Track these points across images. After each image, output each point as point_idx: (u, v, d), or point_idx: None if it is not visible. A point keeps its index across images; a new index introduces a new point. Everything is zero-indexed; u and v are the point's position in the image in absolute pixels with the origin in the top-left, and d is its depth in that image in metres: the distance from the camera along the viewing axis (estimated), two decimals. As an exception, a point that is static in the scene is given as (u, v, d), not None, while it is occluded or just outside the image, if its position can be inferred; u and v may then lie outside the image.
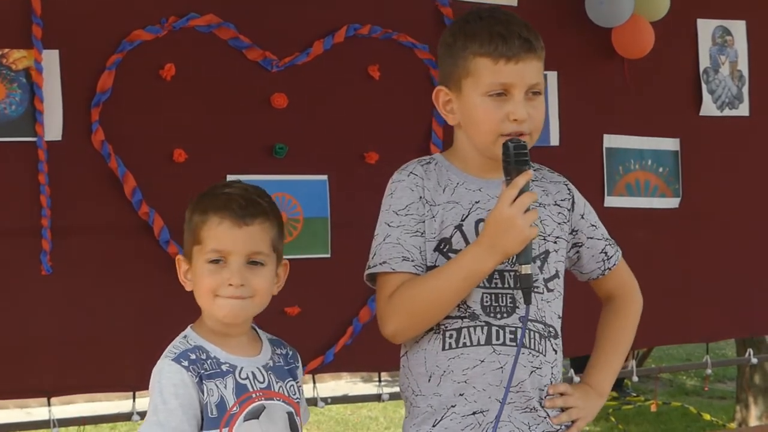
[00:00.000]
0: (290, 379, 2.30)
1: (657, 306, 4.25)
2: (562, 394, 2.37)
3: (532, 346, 2.30)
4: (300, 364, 2.37)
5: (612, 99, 4.20)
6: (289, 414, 2.25)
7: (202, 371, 2.16)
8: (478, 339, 2.27)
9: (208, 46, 3.50)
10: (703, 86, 4.36)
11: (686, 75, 4.36)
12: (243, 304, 2.21)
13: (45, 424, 3.47)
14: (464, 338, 2.28)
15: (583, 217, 2.47)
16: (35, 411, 5.82)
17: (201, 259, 2.21)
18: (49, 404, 3.42)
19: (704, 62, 4.36)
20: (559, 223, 2.40)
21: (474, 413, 2.28)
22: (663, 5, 4.07)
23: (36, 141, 3.26)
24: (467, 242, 2.29)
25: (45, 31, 3.24)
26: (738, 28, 4.42)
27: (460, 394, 2.28)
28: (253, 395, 2.20)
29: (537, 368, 2.31)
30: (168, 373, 2.15)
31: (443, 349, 2.29)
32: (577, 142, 4.13)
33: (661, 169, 4.30)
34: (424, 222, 2.30)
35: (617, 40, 4.07)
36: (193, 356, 2.17)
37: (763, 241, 4.53)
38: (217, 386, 2.17)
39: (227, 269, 2.19)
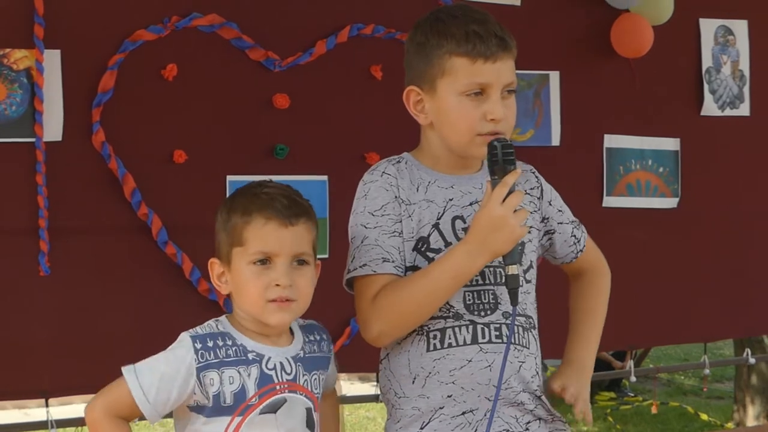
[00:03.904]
0: (316, 371, 2.26)
1: (655, 306, 4.27)
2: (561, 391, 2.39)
3: (517, 341, 2.30)
4: (331, 347, 2.34)
5: (613, 99, 4.19)
6: (308, 409, 2.22)
7: (216, 359, 2.14)
8: (464, 339, 2.26)
9: (210, 46, 3.49)
10: (705, 86, 4.36)
11: (688, 75, 4.35)
12: (291, 309, 2.18)
13: (43, 424, 3.46)
14: (449, 338, 2.27)
15: (551, 204, 2.47)
16: (33, 412, 5.80)
17: (243, 260, 2.18)
18: (47, 405, 3.40)
19: (707, 62, 4.36)
20: (531, 213, 2.40)
21: (464, 413, 2.28)
22: (666, 9, 4.06)
23: (34, 142, 3.25)
24: (445, 240, 2.28)
25: (47, 30, 3.22)
26: (740, 27, 4.42)
27: (449, 396, 2.27)
28: (278, 387, 2.18)
29: (522, 362, 2.31)
30: (179, 345, 2.16)
31: (428, 350, 2.27)
32: (577, 142, 4.13)
33: (661, 169, 4.30)
34: (401, 222, 2.28)
35: (616, 39, 4.07)
36: (211, 342, 2.16)
37: (762, 242, 4.53)
38: (240, 374, 2.15)
39: (273, 270, 2.16)
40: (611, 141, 4.21)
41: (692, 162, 4.35)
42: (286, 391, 2.19)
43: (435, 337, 2.27)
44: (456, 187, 2.33)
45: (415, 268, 2.28)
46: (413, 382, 2.29)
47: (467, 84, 2.24)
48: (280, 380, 2.19)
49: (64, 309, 3.34)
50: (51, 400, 3.41)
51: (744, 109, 4.46)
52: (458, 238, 2.28)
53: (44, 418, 3.43)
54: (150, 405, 2.13)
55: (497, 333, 2.28)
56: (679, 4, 4.11)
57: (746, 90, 4.45)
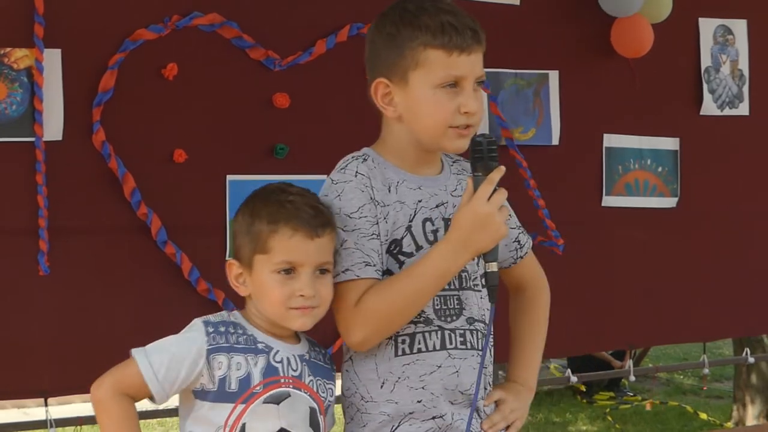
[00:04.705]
0: (323, 378, 2.28)
1: (654, 305, 4.28)
2: (496, 403, 2.39)
3: (477, 347, 2.30)
4: (334, 367, 2.35)
5: (612, 98, 4.19)
6: (312, 409, 2.24)
7: (226, 344, 2.17)
8: (434, 344, 2.26)
9: (210, 45, 3.48)
10: (704, 85, 4.36)
11: (687, 74, 4.36)
12: (313, 315, 2.21)
13: (42, 424, 3.46)
14: (419, 344, 2.26)
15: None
16: (33, 411, 5.80)
17: (266, 268, 2.19)
18: (46, 404, 3.41)
19: (706, 61, 4.36)
20: None
21: (433, 418, 2.27)
22: (665, 7, 4.07)
23: (34, 141, 3.24)
24: (416, 243, 2.27)
25: (47, 30, 3.22)
26: (739, 27, 4.42)
27: (418, 401, 2.26)
28: (282, 380, 2.20)
29: (485, 368, 2.32)
30: (190, 329, 2.20)
31: (396, 355, 2.26)
32: (577, 141, 4.13)
33: (660, 169, 4.30)
34: (377, 224, 2.25)
35: (616, 39, 4.07)
36: (222, 328, 2.19)
37: (761, 241, 4.54)
38: (247, 361, 2.18)
39: (298, 280, 2.18)
40: (610, 140, 4.21)
41: (691, 161, 4.35)
42: (291, 386, 2.21)
43: (404, 342, 2.26)
44: (423, 189, 2.31)
45: (388, 272, 2.26)
46: (381, 386, 2.27)
47: (443, 76, 2.22)
48: (286, 374, 2.21)
49: (63, 309, 3.34)
50: (50, 400, 3.41)
51: (743, 109, 4.46)
52: (428, 241, 2.27)
53: (43, 418, 3.43)
54: (158, 383, 2.15)
55: (462, 339, 2.28)
56: (678, 4, 4.10)
57: (745, 89, 4.45)
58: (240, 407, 2.16)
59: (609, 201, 4.22)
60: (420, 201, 2.30)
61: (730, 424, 7.69)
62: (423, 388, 2.26)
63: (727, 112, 4.42)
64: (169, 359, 2.15)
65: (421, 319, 2.25)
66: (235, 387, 2.16)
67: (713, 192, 4.40)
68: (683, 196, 4.35)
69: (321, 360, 2.30)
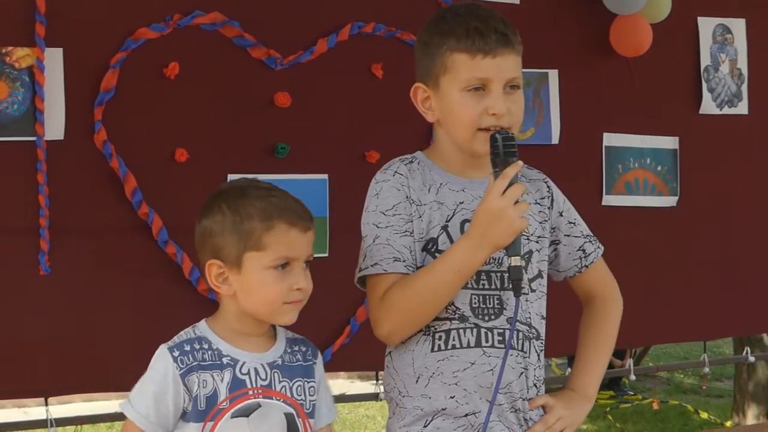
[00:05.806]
0: (300, 378, 2.27)
1: (654, 304, 4.27)
2: (543, 407, 2.38)
3: (519, 347, 2.31)
4: (318, 360, 2.34)
5: (612, 97, 4.20)
6: (288, 415, 2.23)
7: (195, 362, 2.17)
8: (468, 341, 2.28)
9: (212, 44, 3.49)
10: (703, 84, 4.36)
11: (686, 73, 4.36)
12: (299, 308, 2.23)
13: (42, 423, 3.46)
14: (453, 340, 2.28)
15: (561, 215, 2.48)
16: (33, 411, 5.79)
17: (260, 265, 2.19)
18: (46, 404, 3.41)
19: (705, 60, 4.37)
20: (540, 222, 2.41)
21: (466, 415, 2.29)
22: (665, 6, 4.07)
23: (35, 140, 3.24)
24: (452, 242, 2.28)
25: (49, 29, 3.23)
26: (738, 26, 4.43)
27: (451, 397, 2.29)
28: (250, 392, 2.20)
29: (525, 369, 2.32)
30: (157, 359, 2.19)
31: (432, 350, 2.29)
32: (576, 140, 4.13)
33: (659, 168, 4.31)
34: (412, 222, 2.30)
35: (615, 38, 4.07)
36: (188, 347, 2.19)
37: (761, 240, 4.54)
38: (213, 378, 2.18)
39: (292, 274, 2.19)
40: (610, 139, 4.22)
41: (691, 160, 4.35)
42: (260, 396, 2.21)
43: (440, 338, 2.29)
44: (467, 191, 2.34)
45: None
46: (417, 381, 2.31)
47: (468, 79, 2.26)
48: (254, 385, 2.21)
49: (63, 308, 3.34)
50: (50, 399, 3.42)
51: (742, 108, 4.46)
52: None
53: (44, 417, 3.43)
54: (155, 425, 2.17)
55: (500, 338, 2.29)
56: (677, 3, 4.11)
57: (744, 88, 4.46)
58: (209, 425, 2.17)
59: (609, 200, 4.22)
60: (462, 203, 2.33)
61: (730, 423, 7.68)
62: (456, 384, 2.28)
63: (726, 111, 4.42)
64: (153, 400, 2.16)
65: (456, 316, 2.28)
66: (203, 405, 2.17)
67: (713, 191, 4.40)
68: (683, 195, 4.35)
69: (300, 358, 2.30)
